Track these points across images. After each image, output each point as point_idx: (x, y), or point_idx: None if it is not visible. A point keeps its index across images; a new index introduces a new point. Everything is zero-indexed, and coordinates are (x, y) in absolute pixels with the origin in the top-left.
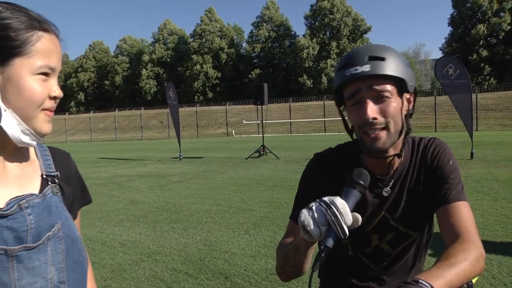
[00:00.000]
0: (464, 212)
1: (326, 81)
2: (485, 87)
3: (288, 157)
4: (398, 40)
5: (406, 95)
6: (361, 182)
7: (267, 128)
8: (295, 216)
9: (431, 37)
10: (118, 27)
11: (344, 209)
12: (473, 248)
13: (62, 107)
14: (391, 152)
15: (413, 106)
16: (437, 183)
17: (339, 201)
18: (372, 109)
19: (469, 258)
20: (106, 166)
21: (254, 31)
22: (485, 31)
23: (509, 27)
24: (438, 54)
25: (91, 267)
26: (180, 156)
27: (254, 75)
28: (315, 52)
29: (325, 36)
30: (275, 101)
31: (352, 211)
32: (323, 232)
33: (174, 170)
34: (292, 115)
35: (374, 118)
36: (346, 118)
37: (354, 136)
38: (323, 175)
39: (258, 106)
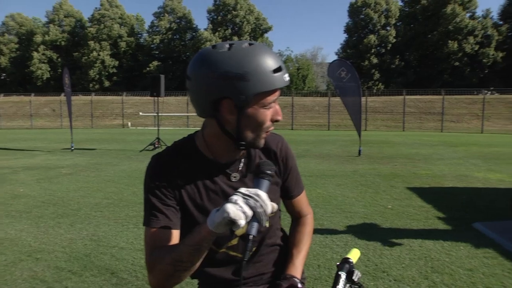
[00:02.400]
0: (304, 199)
1: None
2: (374, 91)
3: None
4: (297, 42)
5: None
6: (269, 172)
7: (164, 121)
8: (152, 221)
9: (329, 42)
10: (4, 1)
11: (267, 200)
12: (310, 222)
13: None
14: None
15: None
16: (288, 176)
17: (262, 193)
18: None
19: (309, 237)
20: None
21: (155, 21)
22: (376, 41)
23: (394, 40)
24: (334, 58)
25: None
26: (72, 147)
27: (153, 66)
28: None
29: (227, 32)
30: (173, 94)
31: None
32: (246, 224)
33: (64, 162)
34: (190, 109)
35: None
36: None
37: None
38: (167, 174)
39: (155, 98)
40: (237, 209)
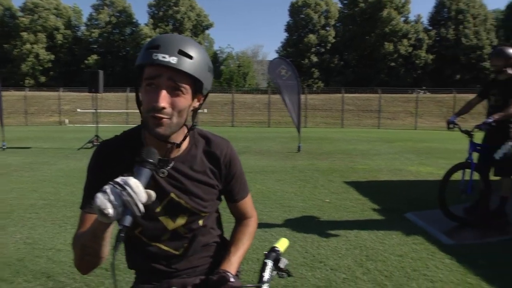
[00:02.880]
0: (249, 203)
1: None
2: (314, 89)
3: None
4: (239, 39)
5: (199, 95)
6: (150, 160)
7: (103, 118)
8: (86, 205)
9: (269, 40)
10: None
11: (138, 188)
12: (253, 224)
13: None
14: (173, 139)
15: (201, 104)
16: (231, 181)
17: (132, 180)
18: (164, 99)
19: (249, 237)
20: None
21: (93, 14)
22: (316, 40)
23: (333, 40)
24: (275, 56)
25: None
26: (4, 146)
27: (91, 61)
28: None
29: (168, 27)
30: (112, 90)
31: (145, 188)
32: (120, 212)
33: None
34: (129, 105)
35: (163, 108)
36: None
37: None
38: (109, 161)
39: (93, 94)
40: (104, 198)
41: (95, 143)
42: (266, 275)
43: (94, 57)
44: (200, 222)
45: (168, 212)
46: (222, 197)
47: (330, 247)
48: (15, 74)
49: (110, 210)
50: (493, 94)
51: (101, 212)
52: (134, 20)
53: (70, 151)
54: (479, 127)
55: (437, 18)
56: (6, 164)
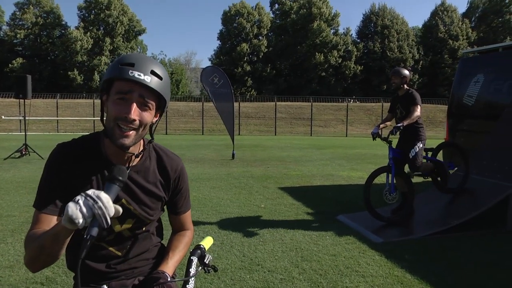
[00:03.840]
0: (189, 217)
1: (98, 79)
2: (248, 97)
3: None
4: (171, 46)
5: (159, 112)
6: (120, 178)
7: (31, 125)
8: (40, 204)
9: (202, 47)
10: None
11: (108, 203)
12: (189, 235)
13: None
14: (132, 150)
15: (158, 120)
16: (177, 195)
17: (103, 195)
18: (135, 112)
19: (186, 246)
20: None
21: (17, 13)
22: (248, 49)
23: (266, 49)
24: (208, 64)
25: None
26: None
27: (16, 64)
28: (89, 46)
29: (99, 32)
30: (41, 96)
31: (113, 202)
32: (88, 222)
33: None
34: (60, 113)
35: (134, 120)
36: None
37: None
38: (66, 164)
39: (21, 100)
40: (76, 208)
41: (24, 153)
42: (192, 270)
43: (20, 60)
44: (144, 228)
45: (119, 216)
46: (165, 207)
47: (267, 250)
48: None
49: (80, 220)
50: (397, 107)
51: (71, 221)
52: (63, 22)
53: None
54: (391, 132)
55: (364, 32)
56: None
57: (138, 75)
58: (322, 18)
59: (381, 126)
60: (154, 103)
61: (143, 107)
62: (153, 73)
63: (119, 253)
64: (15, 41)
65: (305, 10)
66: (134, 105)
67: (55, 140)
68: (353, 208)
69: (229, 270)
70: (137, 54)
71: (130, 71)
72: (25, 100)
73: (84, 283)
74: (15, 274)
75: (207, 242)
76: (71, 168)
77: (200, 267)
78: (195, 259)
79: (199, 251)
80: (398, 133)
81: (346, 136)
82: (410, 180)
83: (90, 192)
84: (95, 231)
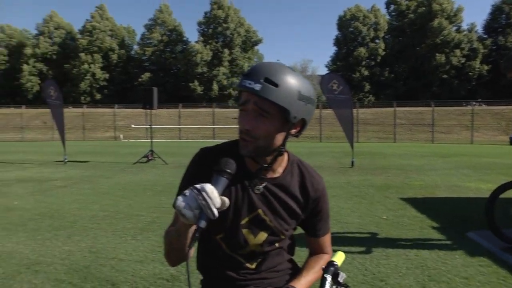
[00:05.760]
0: (328, 241)
1: (217, 89)
2: (365, 103)
3: (177, 162)
4: (287, 54)
5: (292, 123)
6: (228, 170)
7: (155, 133)
8: None
9: (318, 54)
10: None
11: (212, 193)
12: (327, 259)
13: None
14: (266, 161)
15: (299, 131)
16: (316, 216)
17: (208, 186)
18: (249, 122)
19: (319, 266)
20: None
21: (146, 33)
22: (365, 53)
23: (383, 53)
24: (324, 71)
25: None
26: (65, 159)
27: (144, 78)
28: (209, 58)
29: (218, 44)
30: (164, 106)
31: (221, 195)
32: (197, 214)
33: (58, 174)
34: (182, 121)
35: (247, 130)
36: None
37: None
38: (205, 166)
39: (147, 110)
40: (183, 200)
41: (150, 158)
42: None
43: (147, 74)
44: (277, 244)
45: (252, 226)
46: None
47: (390, 265)
48: (74, 92)
49: (186, 211)
50: None
51: (179, 212)
52: (184, 38)
53: (126, 165)
54: None
55: (493, 26)
56: (68, 177)
57: (249, 83)
58: (444, 15)
59: None
60: (273, 111)
61: (259, 117)
62: (267, 80)
63: (252, 266)
64: (143, 57)
65: (424, 8)
66: (249, 115)
67: (178, 147)
68: (485, 225)
69: (350, 284)
70: (259, 63)
71: (244, 80)
72: (151, 110)
73: (211, 286)
74: (144, 268)
75: (339, 258)
76: (208, 170)
77: (334, 286)
78: (328, 277)
79: (332, 269)
80: None
81: (472, 143)
82: None
83: (197, 185)
84: (202, 223)
